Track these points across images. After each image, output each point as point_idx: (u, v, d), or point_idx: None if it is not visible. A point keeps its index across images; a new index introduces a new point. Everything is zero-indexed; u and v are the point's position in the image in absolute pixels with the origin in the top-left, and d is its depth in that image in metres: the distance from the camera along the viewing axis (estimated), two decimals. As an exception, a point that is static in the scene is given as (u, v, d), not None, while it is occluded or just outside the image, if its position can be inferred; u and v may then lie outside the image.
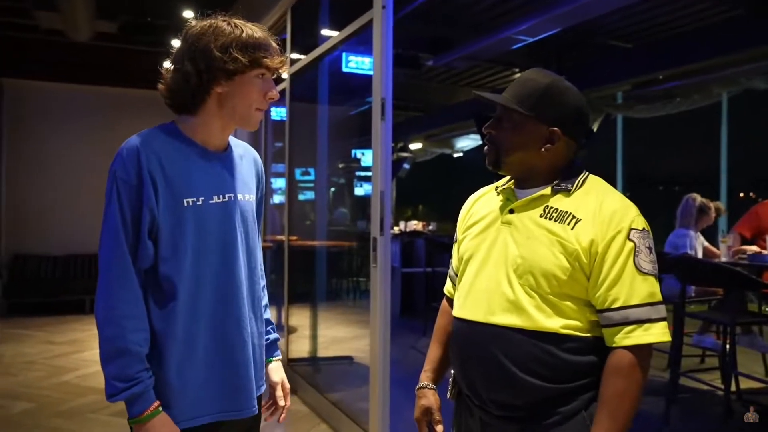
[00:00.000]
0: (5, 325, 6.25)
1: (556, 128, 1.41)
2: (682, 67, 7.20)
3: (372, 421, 3.32)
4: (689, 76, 7.39)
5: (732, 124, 9.14)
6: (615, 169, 10.69)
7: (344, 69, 6.42)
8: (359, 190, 12.05)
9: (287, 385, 1.67)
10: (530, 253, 1.37)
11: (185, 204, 1.37)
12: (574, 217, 1.37)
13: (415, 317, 6.87)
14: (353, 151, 10.41)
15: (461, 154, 13.73)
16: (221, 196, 1.43)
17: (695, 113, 8.23)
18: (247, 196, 1.51)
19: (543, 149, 1.42)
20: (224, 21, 1.39)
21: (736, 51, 6.28)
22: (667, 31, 7.52)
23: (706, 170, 9.78)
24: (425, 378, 1.62)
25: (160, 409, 1.35)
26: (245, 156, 1.56)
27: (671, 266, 4.29)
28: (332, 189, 12.44)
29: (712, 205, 5.05)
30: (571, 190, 1.41)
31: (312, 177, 7.52)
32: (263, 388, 1.59)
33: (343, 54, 5.98)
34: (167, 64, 1.46)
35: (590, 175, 1.46)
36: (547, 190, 1.42)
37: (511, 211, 1.44)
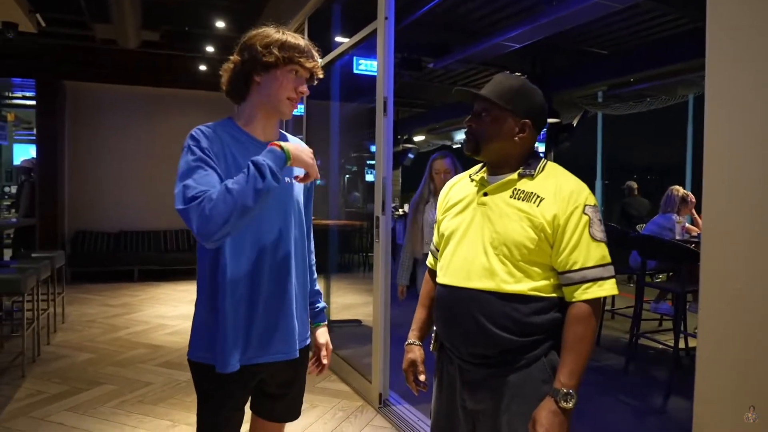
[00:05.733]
0: (69, 291, 6.38)
1: (527, 120, 1.46)
2: (650, 71, 7.15)
3: (374, 373, 3.40)
4: (657, 79, 7.34)
5: (697, 121, 9.07)
6: (595, 159, 10.65)
7: (355, 71, 6.45)
8: (370, 177, 12.05)
9: (330, 347, 1.71)
10: (503, 228, 1.42)
11: None
12: (538, 196, 1.42)
13: (417, 287, 6.90)
14: (366, 143, 10.41)
15: (459, 145, 13.69)
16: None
17: (665, 111, 8.17)
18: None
19: (516, 138, 1.47)
20: (275, 29, 1.45)
21: (697, 57, 6.22)
22: (638, 39, 7.46)
23: (674, 161, 9.71)
24: (412, 336, 1.68)
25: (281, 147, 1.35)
26: None
27: (634, 243, 4.33)
28: (347, 176, 12.45)
29: (692, 196, 5.07)
30: (534, 174, 1.46)
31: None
32: (308, 341, 1.61)
33: (354, 57, 6.01)
34: (225, 64, 1.49)
35: (548, 162, 1.51)
36: (514, 176, 1.47)
37: (485, 194, 1.49)
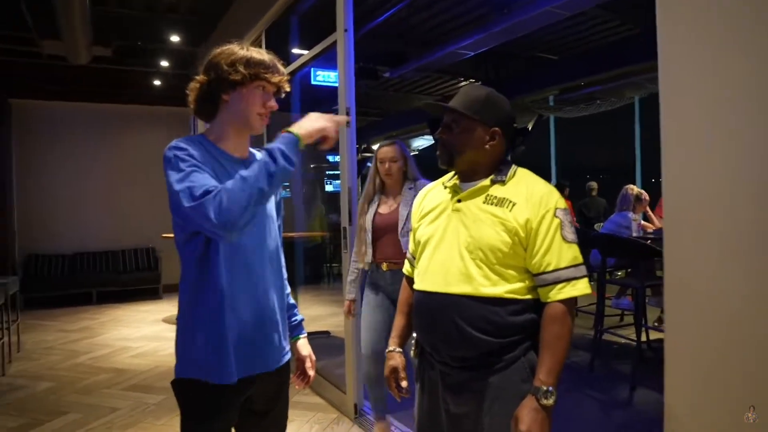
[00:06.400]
0: (24, 317, 6.12)
1: (497, 128, 1.51)
2: (599, 75, 7.39)
3: (348, 383, 3.39)
4: (606, 82, 7.58)
5: (643, 122, 9.41)
6: (549, 161, 10.91)
7: (313, 82, 6.46)
8: (329, 187, 12.03)
9: (314, 358, 1.71)
10: (478, 232, 1.46)
11: None
12: (510, 201, 1.46)
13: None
14: (323, 153, 10.39)
15: (417, 152, 13.81)
16: None
17: (614, 112, 8.44)
18: None
19: (487, 146, 1.51)
20: (239, 46, 1.45)
21: (642, 61, 6.49)
22: (586, 44, 7.73)
23: (624, 161, 10.02)
24: (392, 343, 1.70)
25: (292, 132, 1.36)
26: None
27: (594, 242, 4.46)
28: (304, 188, 12.38)
29: (645, 194, 5.26)
30: (505, 180, 1.50)
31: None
32: (288, 355, 1.60)
33: (312, 69, 6.01)
34: (191, 83, 1.49)
35: (519, 168, 1.55)
36: (487, 182, 1.51)
37: (459, 201, 1.52)
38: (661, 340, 4.53)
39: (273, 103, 1.48)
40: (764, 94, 1.29)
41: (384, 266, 2.79)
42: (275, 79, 1.45)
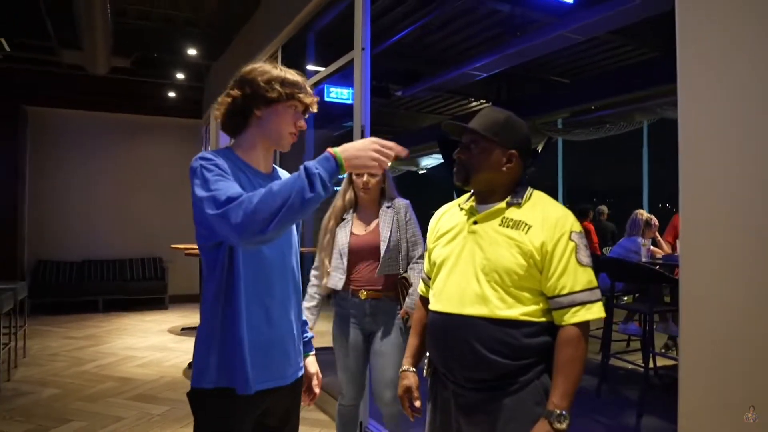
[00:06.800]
0: (30, 323, 6.14)
1: (514, 151, 1.52)
2: (610, 99, 7.44)
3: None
4: (616, 106, 7.63)
5: (651, 146, 9.43)
6: (557, 183, 10.92)
7: (326, 98, 6.53)
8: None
9: (320, 376, 1.72)
10: (494, 255, 1.47)
11: None
12: (526, 224, 1.47)
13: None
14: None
15: (425, 171, 13.86)
16: None
17: (622, 137, 8.47)
18: None
19: (504, 168, 1.52)
20: (271, 65, 1.48)
21: (653, 86, 6.53)
22: (598, 69, 7.79)
23: (631, 185, 10.02)
24: (406, 363, 1.70)
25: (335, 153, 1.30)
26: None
27: (603, 266, 4.45)
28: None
29: (655, 219, 5.24)
30: (521, 203, 1.52)
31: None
32: (302, 370, 1.61)
33: (326, 86, 6.09)
34: (222, 97, 1.49)
35: (534, 191, 1.57)
36: (503, 205, 1.52)
37: (475, 222, 1.54)
38: (667, 367, 4.51)
39: (303, 123, 1.51)
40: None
41: (362, 294, 2.49)
42: (308, 99, 1.48)
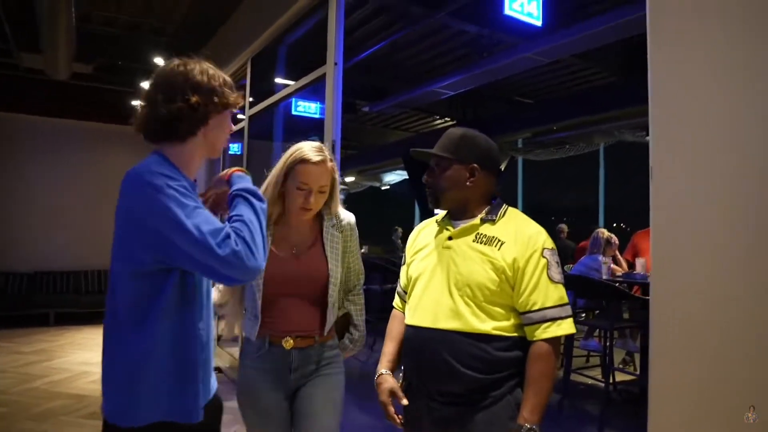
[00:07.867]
0: (-26, 336, 5.85)
1: (475, 165, 1.56)
2: (572, 120, 7.66)
3: None
4: (577, 127, 7.85)
5: (608, 167, 9.73)
6: (516, 201, 11.14)
7: (294, 112, 6.52)
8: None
9: None
10: (467, 270, 1.50)
11: None
12: (499, 240, 1.51)
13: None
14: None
15: (388, 187, 13.92)
16: None
17: (580, 158, 8.72)
18: None
19: (468, 183, 1.56)
20: (205, 63, 1.33)
21: (613, 109, 6.76)
22: (560, 91, 8.03)
23: (588, 204, 10.30)
24: (384, 366, 1.64)
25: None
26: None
27: (569, 284, 4.54)
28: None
29: (615, 238, 5.38)
30: (495, 219, 1.55)
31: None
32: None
33: (293, 99, 6.08)
34: (138, 101, 1.36)
35: (510, 208, 1.61)
36: (477, 221, 1.56)
37: (450, 238, 1.57)
38: (626, 382, 4.59)
39: (233, 126, 1.41)
40: (753, 139, 1.37)
41: (287, 344, 1.74)
42: (240, 101, 1.37)
